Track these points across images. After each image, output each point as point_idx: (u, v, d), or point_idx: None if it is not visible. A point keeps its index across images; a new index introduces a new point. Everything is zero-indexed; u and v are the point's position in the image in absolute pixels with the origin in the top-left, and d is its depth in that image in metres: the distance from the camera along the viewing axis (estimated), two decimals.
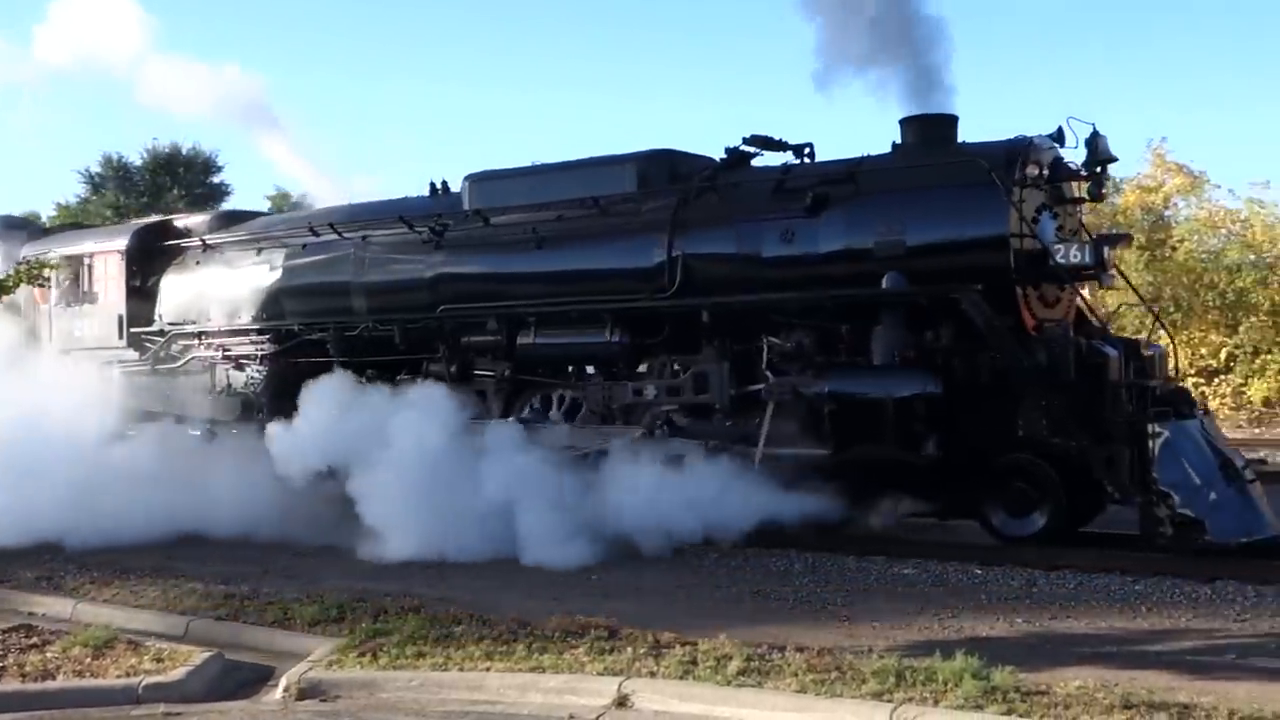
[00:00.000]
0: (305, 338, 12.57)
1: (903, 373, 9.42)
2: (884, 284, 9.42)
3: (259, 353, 13.00)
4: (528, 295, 11.14)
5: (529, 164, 11.86)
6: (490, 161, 42.36)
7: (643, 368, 11.19)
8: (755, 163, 10.92)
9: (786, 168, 10.40)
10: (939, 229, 9.74)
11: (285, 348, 12.72)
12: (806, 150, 10.68)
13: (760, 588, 8.29)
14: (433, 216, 11.75)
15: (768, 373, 9.91)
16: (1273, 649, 6.34)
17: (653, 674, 5.88)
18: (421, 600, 7.83)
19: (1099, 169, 9.76)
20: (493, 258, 11.57)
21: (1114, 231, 11.25)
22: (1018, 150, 9.61)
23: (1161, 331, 11.87)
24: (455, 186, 12.64)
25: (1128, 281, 10.25)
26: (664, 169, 11.06)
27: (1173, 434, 8.94)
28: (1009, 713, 5.09)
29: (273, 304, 12.93)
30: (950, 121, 10.06)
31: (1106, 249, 9.67)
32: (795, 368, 9.80)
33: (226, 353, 13.21)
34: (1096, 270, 9.57)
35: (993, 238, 9.57)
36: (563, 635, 6.74)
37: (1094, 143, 9.71)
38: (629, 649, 6.46)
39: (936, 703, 5.24)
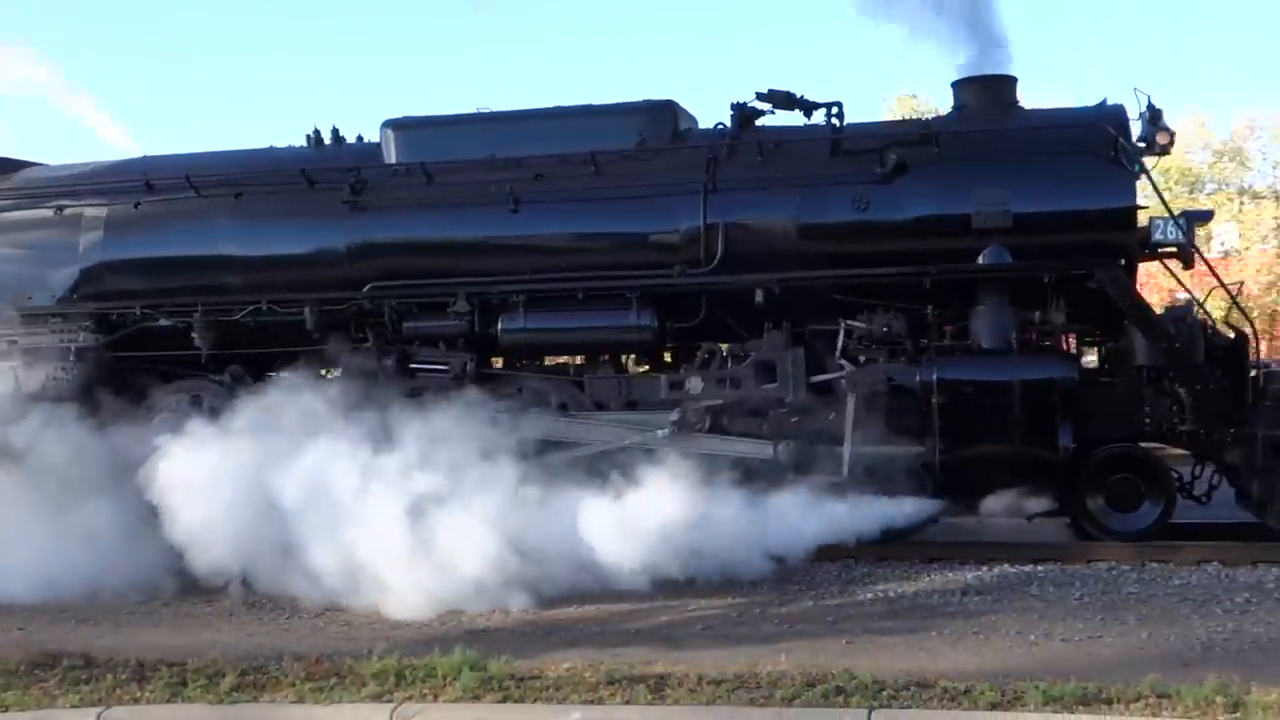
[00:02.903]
0: (150, 324, 10.83)
1: (1032, 357, 9.44)
2: (982, 259, 9.28)
3: (70, 345, 10.97)
4: (500, 269, 10.27)
5: (479, 110, 11.05)
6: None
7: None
8: (761, 122, 10.53)
9: (837, 127, 10.22)
10: (1055, 199, 9.59)
11: (115, 337, 10.98)
12: (835, 110, 10.25)
13: (252, 599, 8.86)
14: (340, 171, 10.66)
15: (841, 360, 9.68)
16: (734, 619, 7.96)
17: (136, 700, 6.27)
18: None
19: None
20: (446, 223, 10.46)
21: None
22: (1124, 116, 9.62)
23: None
24: (352, 139, 11.50)
25: (1205, 259, 10.35)
26: (668, 124, 10.53)
27: None
28: (505, 700, 6.03)
29: (90, 281, 11.18)
30: (1011, 83, 10.33)
31: (1195, 226, 9.84)
32: (881, 354, 9.52)
33: (11, 344, 11.25)
34: (1186, 249, 9.87)
35: (1120, 211, 9.59)
36: (30, 669, 7.04)
37: (1156, 117, 9.65)
38: (109, 676, 6.87)
39: (436, 698, 6.00)
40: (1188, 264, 9.98)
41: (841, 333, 9.68)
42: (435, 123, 10.88)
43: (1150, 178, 9.77)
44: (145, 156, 11.84)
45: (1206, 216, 11.06)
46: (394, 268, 10.40)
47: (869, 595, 8.36)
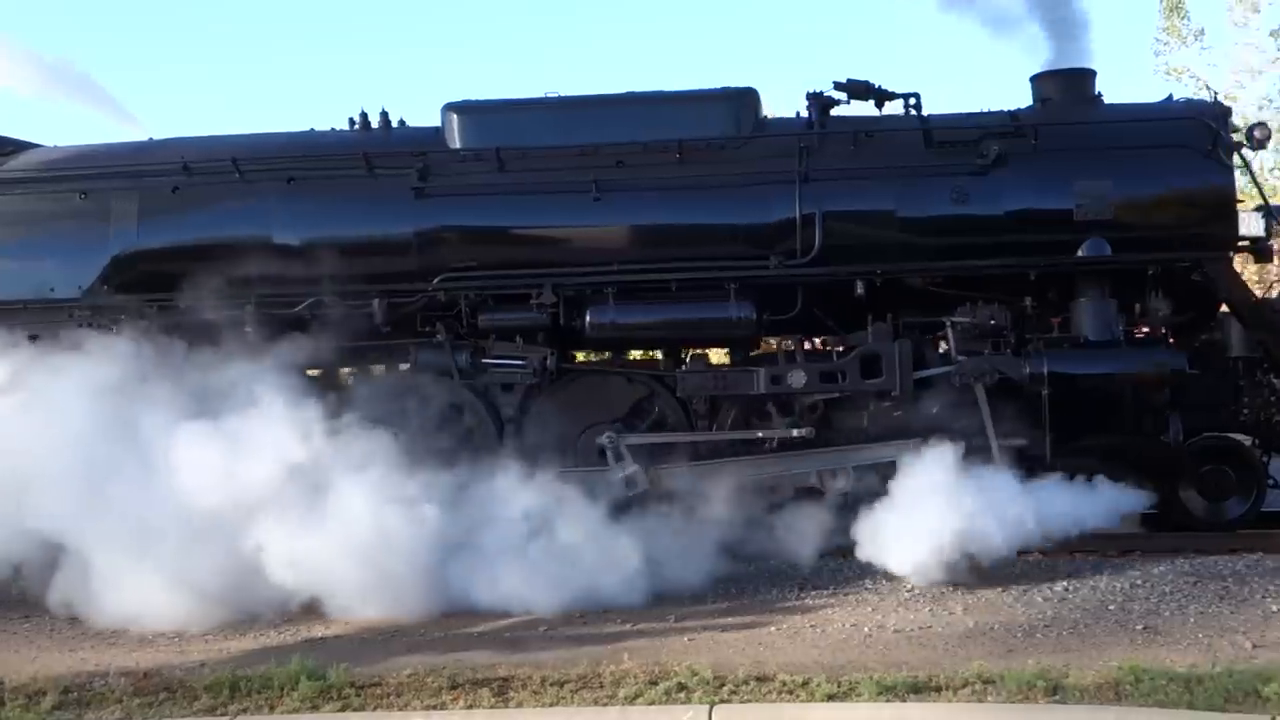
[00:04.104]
0: (194, 317, 9.81)
1: (1142, 348, 9.58)
2: (1082, 251, 9.47)
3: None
4: (582, 260, 9.86)
5: (547, 94, 10.42)
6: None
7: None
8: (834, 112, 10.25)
9: (923, 117, 10.02)
10: (1156, 193, 9.64)
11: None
12: (913, 101, 10.05)
13: (76, 613, 8.32)
14: (402, 156, 10.06)
15: (958, 354, 9.46)
16: (577, 619, 7.85)
17: None
18: None
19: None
20: (525, 211, 9.96)
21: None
22: (1217, 111, 10.04)
23: None
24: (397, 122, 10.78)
25: None
26: (750, 112, 10.20)
27: None
28: (344, 708, 5.85)
29: (123, 271, 10.25)
30: (1091, 76, 10.29)
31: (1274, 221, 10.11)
32: (985, 347, 9.50)
33: (34, 338, 10.06)
34: (1264, 243, 9.99)
35: (1221, 204, 9.67)
36: None
37: (1226, 113, 10.03)
38: None
39: (273, 709, 5.92)
40: (1264, 258, 10.17)
41: (950, 326, 9.50)
42: (504, 107, 10.37)
43: (1251, 171, 10.13)
44: (176, 138, 10.94)
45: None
46: (467, 257, 9.91)
47: (709, 593, 8.29)
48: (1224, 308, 9.90)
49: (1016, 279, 9.60)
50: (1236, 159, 9.86)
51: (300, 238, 9.99)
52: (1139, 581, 7.98)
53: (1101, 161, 9.62)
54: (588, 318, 9.77)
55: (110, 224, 10.34)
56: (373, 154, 10.09)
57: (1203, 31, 23.27)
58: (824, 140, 9.89)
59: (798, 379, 9.59)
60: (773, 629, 7.31)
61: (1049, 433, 9.18)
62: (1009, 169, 9.61)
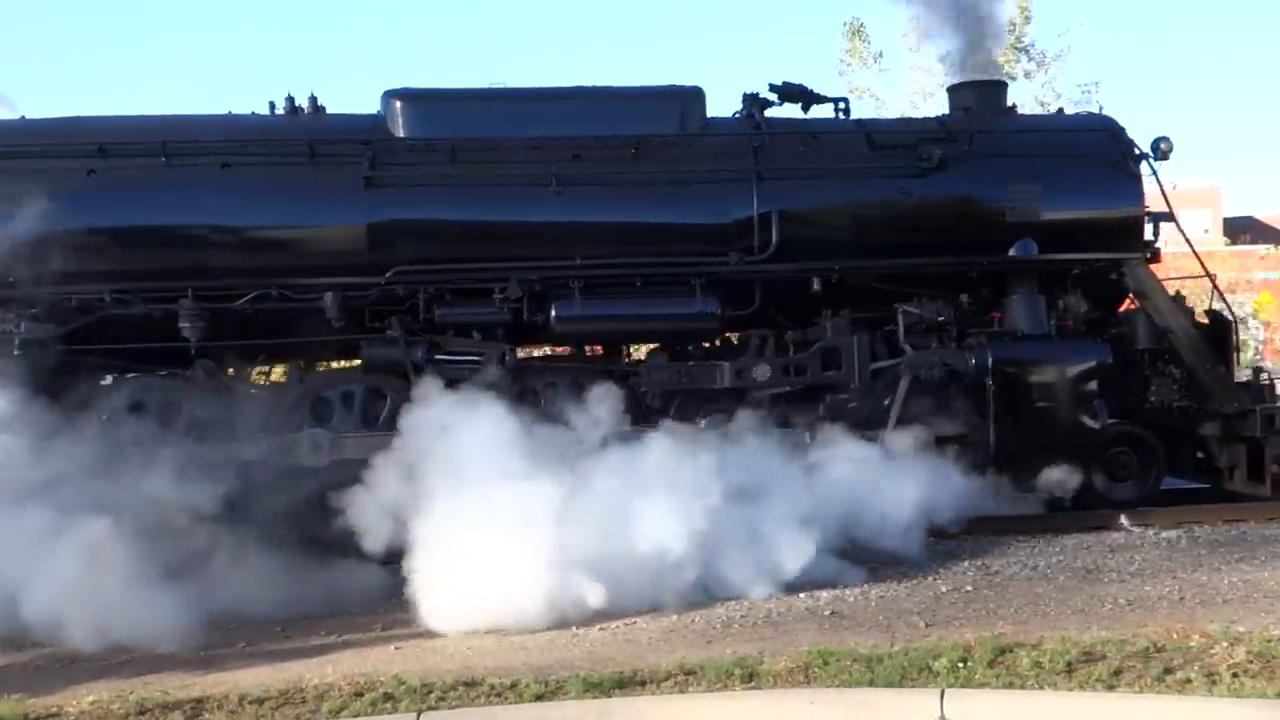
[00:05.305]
0: (119, 311, 9.27)
1: (1075, 342, 10.17)
2: (1013, 251, 10.15)
3: (12, 335, 9.08)
4: (543, 254, 9.72)
5: (494, 85, 10.59)
6: None
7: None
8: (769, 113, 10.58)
9: (859, 121, 10.84)
10: (1078, 198, 10.46)
11: (72, 326, 9.21)
12: (841, 106, 10.62)
13: None
14: (348, 144, 9.66)
15: (905, 345, 10.00)
16: (279, 634, 7.56)
17: None
18: None
19: None
20: (485, 204, 9.73)
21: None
22: (1120, 125, 10.90)
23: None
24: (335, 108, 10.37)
25: (1195, 253, 11.09)
26: (698, 110, 10.31)
27: None
28: None
29: (35, 259, 8.86)
30: (1004, 88, 11.24)
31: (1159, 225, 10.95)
32: (930, 340, 10.02)
33: None
34: (1152, 245, 10.80)
35: (1133, 209, 10.61)
36: None
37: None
38: None
39: None
40: (1152, 260, 10.77)
41: (901, 319, 9.96)
42: (452, 96, 10.20)
43: (1159, 180, 10.71)
44: (88, 116, 9.81)
45: (1167, 217, 11.35)
46: (423, 251, 9.59)
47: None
48: (1127, 305, 10.95)
49: (956, 276, 10.22)
50: (1145, 168, 10.74)
51: (244, 228, 9.54)
52: (823, 569, 8.16)
53: (1029, 168, 10.38)
54: (553, 312, 9.69)
55: (16, 208, 9.08)
56: (315, 140, 9.65)
57: (881, 54, 24.76)
58: (774, 140, 10.19)
59: (762, 372, 9.87)
60: (481, 632, 7.26)
61: (993, 422, 9.75)
62: (949, 172, 10.22)
